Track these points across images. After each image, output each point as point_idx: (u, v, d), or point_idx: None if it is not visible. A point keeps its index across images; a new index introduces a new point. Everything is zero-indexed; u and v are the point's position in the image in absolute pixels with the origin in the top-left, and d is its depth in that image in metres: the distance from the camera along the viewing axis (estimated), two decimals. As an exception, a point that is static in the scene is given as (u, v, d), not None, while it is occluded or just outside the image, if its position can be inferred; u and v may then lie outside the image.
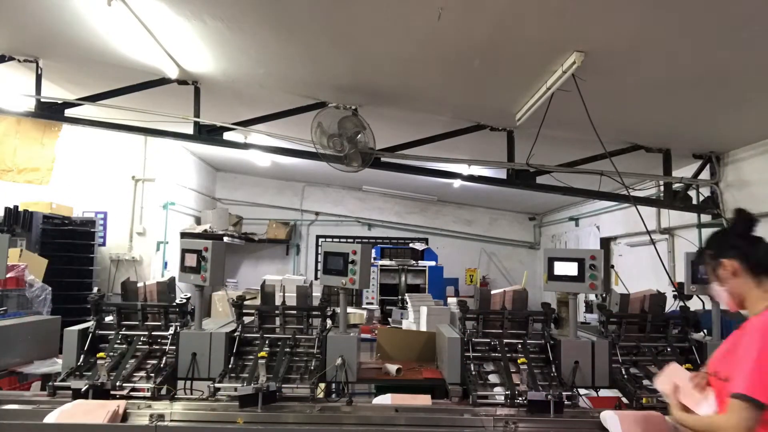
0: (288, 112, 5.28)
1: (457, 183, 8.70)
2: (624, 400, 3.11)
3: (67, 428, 2.53)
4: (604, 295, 3.88)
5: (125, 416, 2.70)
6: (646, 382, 3.11)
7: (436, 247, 10.85)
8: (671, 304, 3.59)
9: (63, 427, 2.52)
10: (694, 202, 5.67)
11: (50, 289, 5.96)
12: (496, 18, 3.28)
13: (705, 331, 3.46)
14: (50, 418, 2.54)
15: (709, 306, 3.40)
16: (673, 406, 2.05)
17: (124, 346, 3.33)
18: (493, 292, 3.69)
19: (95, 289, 3.52)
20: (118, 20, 3.87)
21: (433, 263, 9.72)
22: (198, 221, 10.09)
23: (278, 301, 3.55)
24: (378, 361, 4.13)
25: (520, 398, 2.87)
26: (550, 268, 3.34)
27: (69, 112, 5.23)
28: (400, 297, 9.25)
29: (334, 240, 11.00)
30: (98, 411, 2.59)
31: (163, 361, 3.23)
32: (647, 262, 6.72)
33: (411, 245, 10.24)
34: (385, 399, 2.98)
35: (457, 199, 11.19)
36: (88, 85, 5.36)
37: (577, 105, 3.97)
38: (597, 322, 3.64)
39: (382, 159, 5.36)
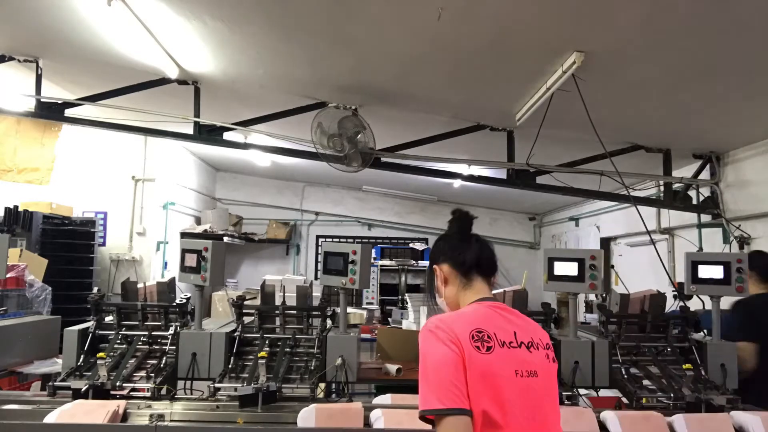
0: (288, 112, 5.28)
1: (457, 183, 8.70)
2: (624, 400, 3.11)
3: (67, 428, 2.52)
4: (604, 295, 3.88)
5: (125, 416, 2.70)
6: (646, 382, 3.11)
7: (436, 247, 10.84)
8: (671, 304, 3.60)
9: (63, 427, 2.52)
10: (694, 202, 5.67)
11: (50, 289, 5.95)
12: (496, 18, 3.28)
13: (705, 331, 3.46)
14: (50, 418, 2.54)
15: (709, 306, 3.40)
16: None
17: (124, 346, 3.33)
18: (493, 292, 3.69)
19: (95, 289, 3.52)
20: (118, 20, 3.87)
21: (433, 263, 9.71)
22: (198, 221, 10.08)
23: (278, 301, 3.55)
24: (378, 361, 4.13)
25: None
26: (550, 268, 3.34)
27: (69, 112, 5.23)
28: (400, 297, 9.26)
29: (334, 240, 10.99)
30: (98, 411, 2.59)
31: (163, 361, 3.23)
32: (647, 262, 6.71)
33: (411, 245, 10.25)
34: (385, 399, 2.98)
35: (457, 199, 11.18)
36: (88, 85, 5.36)
37: (577, 105, 3.97)
38: (597, 322, 3.64)
39: (382, 159, 5.36)
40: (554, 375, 1.66)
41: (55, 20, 4.11)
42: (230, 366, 3.19)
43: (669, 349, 3.35)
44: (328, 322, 3.47)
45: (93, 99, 5.16)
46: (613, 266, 7.80)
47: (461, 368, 1.47)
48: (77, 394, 2.87)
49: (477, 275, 1.81)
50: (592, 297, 7.26)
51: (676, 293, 3.59)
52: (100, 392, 2.88)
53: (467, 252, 1.81)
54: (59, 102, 5.16)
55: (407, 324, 5.65)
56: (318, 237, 11.56)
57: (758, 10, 2.88)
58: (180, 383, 3.18)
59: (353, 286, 3.29)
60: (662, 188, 5.76)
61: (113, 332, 3.38)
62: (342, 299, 3.44)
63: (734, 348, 3.24)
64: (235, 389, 2.88)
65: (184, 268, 3.44)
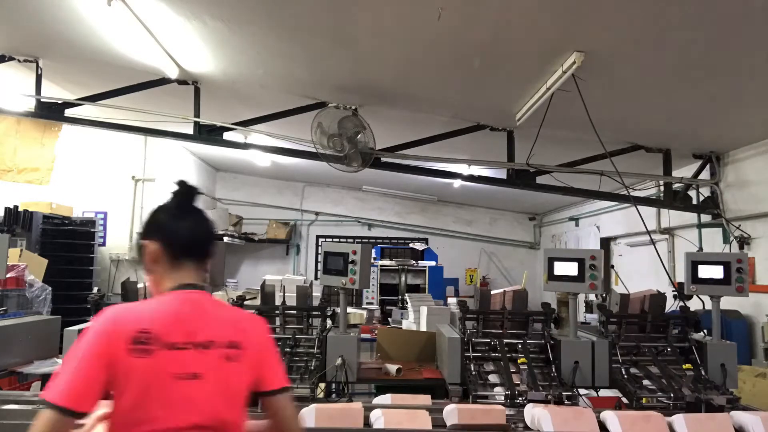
0: (288, 112, 5.28)
1: (457, 183, 8.70)
2: (624, 400, 3.11)
3: (67, 428, 2.52)
4: (604, 295, 3.88)
5: (125, 416, 2.69)
6: (646, 382, 3.11)
7: (436, 247, 10.84)
8: (671, 304, 3.60)
9: (63, 427, 2.51)
10: (694, 202, 5.67)
11: (50, 289, 5.96)
12: (496, 18, 3.28)
13: (705, 331, 3.45)
14: (50, 418, 2.54)
15: (709, 306, 3.40)
16: None
17: (124, 346, 3.33)
18: (493, 292, 3.69)
19: (95, 289, 3.52)
20: (118, 20, 3.87)
21: (433, 263, 9.72)
22: (198, 221, 10.07)
23: (278, 301, 3.55)
24: (378, 361, 4.13)
25: (520, 398, 2.87)
26: (550, 268, 3.34)
27: (69, 112, 5.23)
28: (400, 297, 9.25)
29: (334, 240, 10.99)
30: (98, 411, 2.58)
31: (163, 361, 3.22)
32: (647, 262, 6.71)
33: (411, 245, 10.24)
34: (385, 399, 2.97)
35: (457, 199, 11.19)
36: (88, 85, 5.36)
37: (577, 105, 3.97)
38: (597, 322, 3.65)
39: (382, 159, 5.36)
40: (232, 375, 1.57)
41: (55, 20, 4.11)
42: (230, 366, 3.18)
43: (669, 349, 3.35)
44: (328, 322, 3.47)
45: (93, 99, 5.16)
46: (613, 266, 7.80)
47: (103, 371, 1.40)
48: (77, 394, 2.86)
49: (187, 258, 1.66)
50: (592, 297, 7.26)
51: (676, 293, 3.59)
52: (100, 392, 2.87)
53: (179, 230, 1.66)
54: (59, 102, 5.16)
55: (407, 324, 5.64)
56: (318, 237, 11.56)
57: (757, 10, 2.88)
58: (180, 383, 3.17)
59: (353, 286, 3.30)
60: (662, 188, 5.76)
61: (113, 332, 3.38)
62: (342, 299, 3.44)
63: (734, 348, 3.25)
64: (235, 389, 2.87)
65: (184, 268, 3.44)
